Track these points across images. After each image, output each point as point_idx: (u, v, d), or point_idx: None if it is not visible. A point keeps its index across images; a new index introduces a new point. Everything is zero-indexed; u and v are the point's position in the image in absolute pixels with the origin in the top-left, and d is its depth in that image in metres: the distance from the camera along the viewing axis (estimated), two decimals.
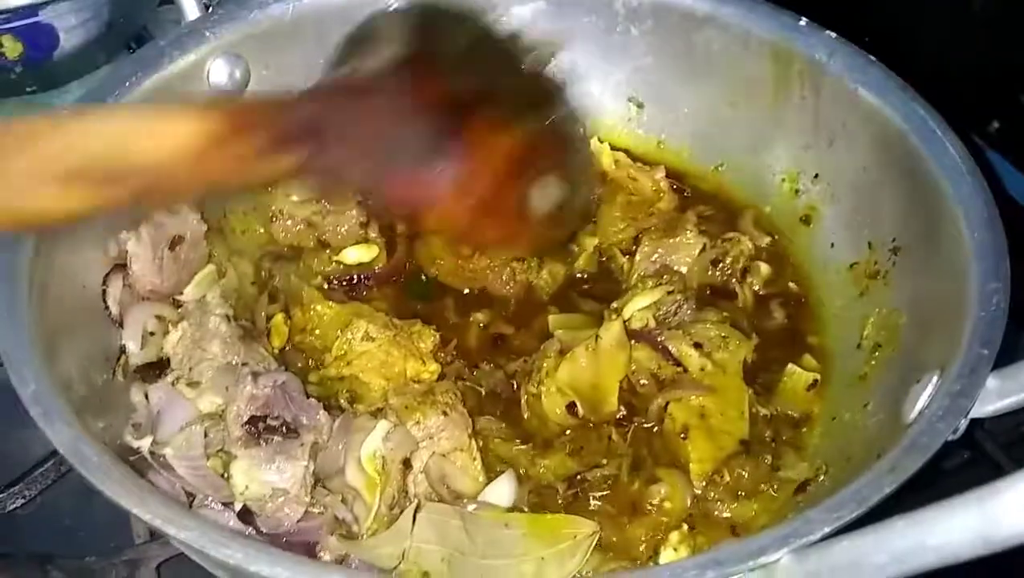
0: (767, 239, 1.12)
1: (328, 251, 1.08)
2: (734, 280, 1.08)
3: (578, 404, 0.96)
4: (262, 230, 1.10)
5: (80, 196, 0.67)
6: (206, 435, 0.86)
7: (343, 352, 0.97)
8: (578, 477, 0.92)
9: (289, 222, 1.08)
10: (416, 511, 0.83)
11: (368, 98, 0.77)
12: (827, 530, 0.66)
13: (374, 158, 0.76)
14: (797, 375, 0.99)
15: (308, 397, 0.89)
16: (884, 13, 1.36)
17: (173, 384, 0.89)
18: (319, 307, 1.00)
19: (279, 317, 1.01)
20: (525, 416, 0.98)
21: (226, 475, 0.85)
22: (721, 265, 1.08)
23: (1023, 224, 1.26)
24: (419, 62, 0.79)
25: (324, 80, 0.81)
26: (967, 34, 1.36)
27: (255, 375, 0.88)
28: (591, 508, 0.91)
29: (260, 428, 0.86)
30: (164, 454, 0.85)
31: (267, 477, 0.84)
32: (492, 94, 0.81)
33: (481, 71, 0.83)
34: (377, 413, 0.91)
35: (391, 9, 0.95)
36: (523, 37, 0.88)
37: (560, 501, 0.91)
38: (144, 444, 0.85)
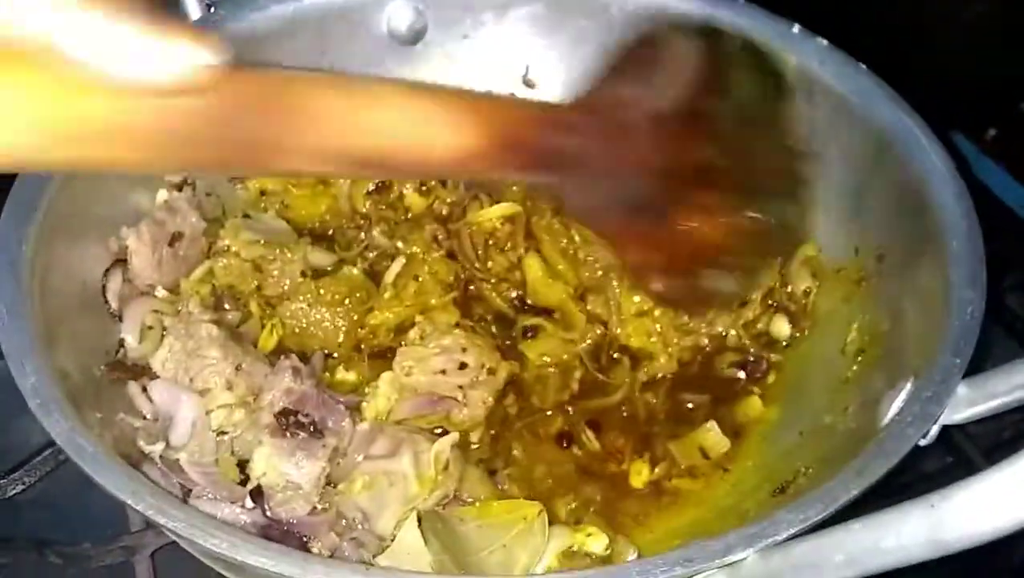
0: None
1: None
2: None
3: None
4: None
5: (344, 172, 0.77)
6: (220, 433, 0.90)
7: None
8: None
9: (233, 261, 1.03)
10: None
11: (630, 135, 0.76)
12: (793, 531, 0.68)
13: (608, 193, 0.76)
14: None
15: (339, 402, 0.93)
16: (883, 20, 1.37)
17: None
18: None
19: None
20: None
21: (241, 468, 0.89)
22: None
23: (1015, 232, 1.29)
24: (693, 106, 0.77)
25: (600, 90, 0.79)
26: (966, 42, 1.37)
27: (295, 370, 0.91)
28: None
29: (290, 421, 0.89)
30: (178, 458, 0.87)
31: (286, 468, 0.87)
32: (737, 172, 0.81)
33: (745, 138, 0.82)
34: None
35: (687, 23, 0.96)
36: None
37: None
38: (157, 449, 0.87)
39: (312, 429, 0.89)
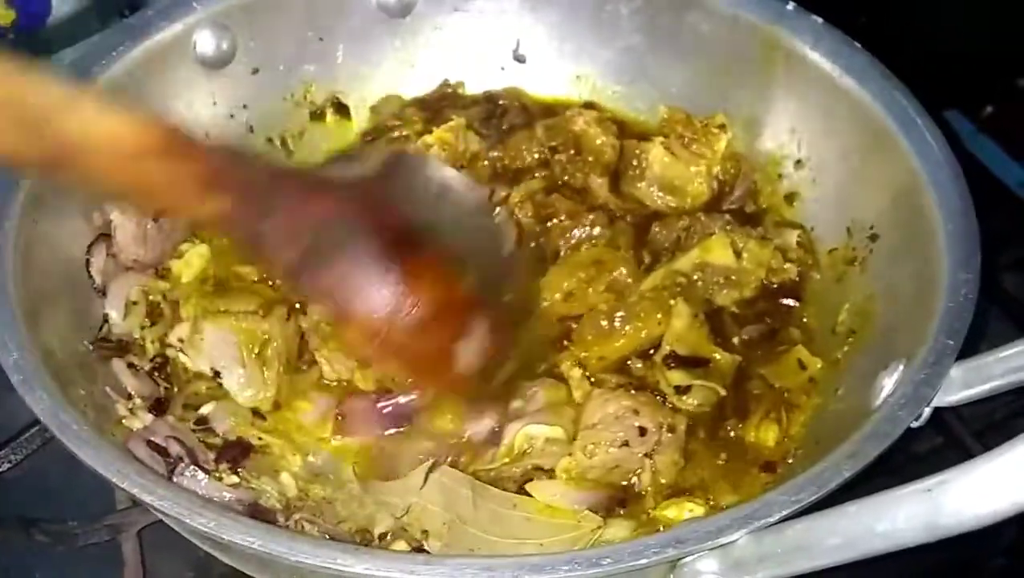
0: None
1: None
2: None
3: None
4: None
5: None
6: None
7: None
8: None
9: None
10: (430, 471, 0.85)
11: (315, 187, 0.78)
12: (785, 513, 0.67)
13: (302, 240, 0.75)
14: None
15: None
16: None
17: None
18: None
19: None
20: None
21: None
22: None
23: (1011, 210, 1.28)
24: (383, 189, 0.80)
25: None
26: (963, 18, 1.36)
27: None
28: None
29: None
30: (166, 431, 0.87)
31: None
32: (445, 245, 0.81)
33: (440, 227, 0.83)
34: None
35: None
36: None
37: None
38: (139, 424, 0.87)
39: None
